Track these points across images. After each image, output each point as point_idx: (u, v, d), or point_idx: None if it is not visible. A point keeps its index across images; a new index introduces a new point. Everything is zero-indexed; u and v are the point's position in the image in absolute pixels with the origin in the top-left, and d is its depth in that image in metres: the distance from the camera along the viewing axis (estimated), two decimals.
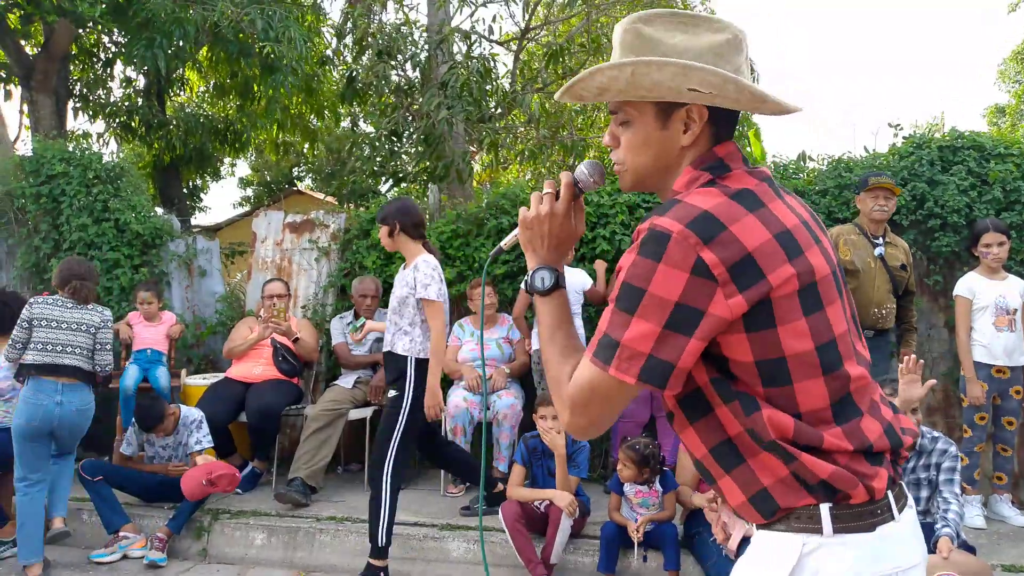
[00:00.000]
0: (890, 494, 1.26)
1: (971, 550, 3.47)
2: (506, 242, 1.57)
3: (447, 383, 5.57)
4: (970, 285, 4.63)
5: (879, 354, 4.59)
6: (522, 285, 5.20)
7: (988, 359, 4.57)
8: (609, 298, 1.25)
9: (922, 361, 3.43)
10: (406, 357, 3.93)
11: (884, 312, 4.52)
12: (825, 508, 1.22)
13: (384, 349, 4.09)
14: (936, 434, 3.73)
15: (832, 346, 1.25)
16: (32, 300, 4.35)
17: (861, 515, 1.23)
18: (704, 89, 1.25)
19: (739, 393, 1.24)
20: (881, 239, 4.61)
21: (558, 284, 1.41)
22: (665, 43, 1.29)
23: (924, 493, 3.69)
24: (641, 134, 1.35)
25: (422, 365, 3.92)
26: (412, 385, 3.91)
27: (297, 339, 5.48)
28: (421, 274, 3.88)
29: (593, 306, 5.33)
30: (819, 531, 1.22)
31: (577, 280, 5.09)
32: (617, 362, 1.20)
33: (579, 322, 5.11)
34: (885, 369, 4.59)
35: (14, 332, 4.26)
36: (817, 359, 1.23)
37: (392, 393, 3.98)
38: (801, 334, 1.22)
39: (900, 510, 1.27)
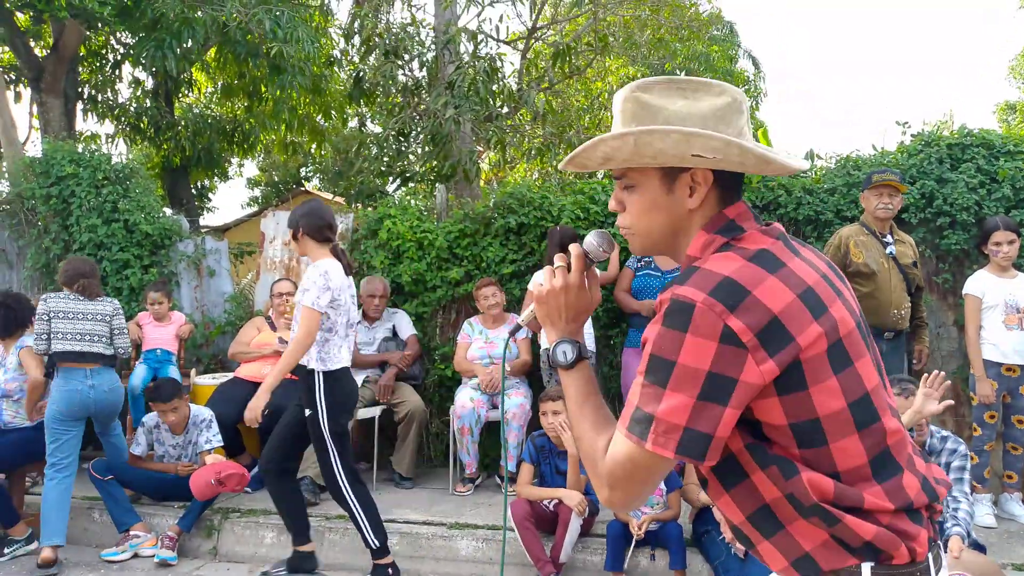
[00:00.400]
0: (930, 556, 1.25)
1: (981, 549, 3.47)
2: (523, 318, 1.56)
3: (456, 382, 5.58)
4: (980, 283, 4.62)
5: (896, 356, 4.57)
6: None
7: (998, 357, 4.55)
8: (638, 370, 1.24)
9: (946, 379, 3.40)
10: (313, 371, 3.76)
11: (903, 313, 4.49)
12: (867, 567, 1.22)
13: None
14: (945, 433, 3.72)
15: (866, 401, 1.24)
16: (45, 296, 4.51)
17: (901, 574, 1.22)
18: (708, 154, 1.25)
19: (776, 457, 1.23)
20: (890, 237, 4.58)
21: (581, 356, 1.40)
22: (667, 110, 1.29)
23: None
24: (647, 199, 1.35)
25: (329, 377, 3.77)
26: (323, 398, 3.74)
27: None
28: (304, 279, 3.73)
29: (601, 305, 5.33)
30: None
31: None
32: (653, 436, 1.18)
33: (588, 321, 5.11)
34: (900, 369, 4.58)
35: (37, 326, 4.46)
36: (851, 416, 1.22)
37: (307, 412, 3.80)
38: (833, 392, 1.21)
39: (938, 571, 1.27)
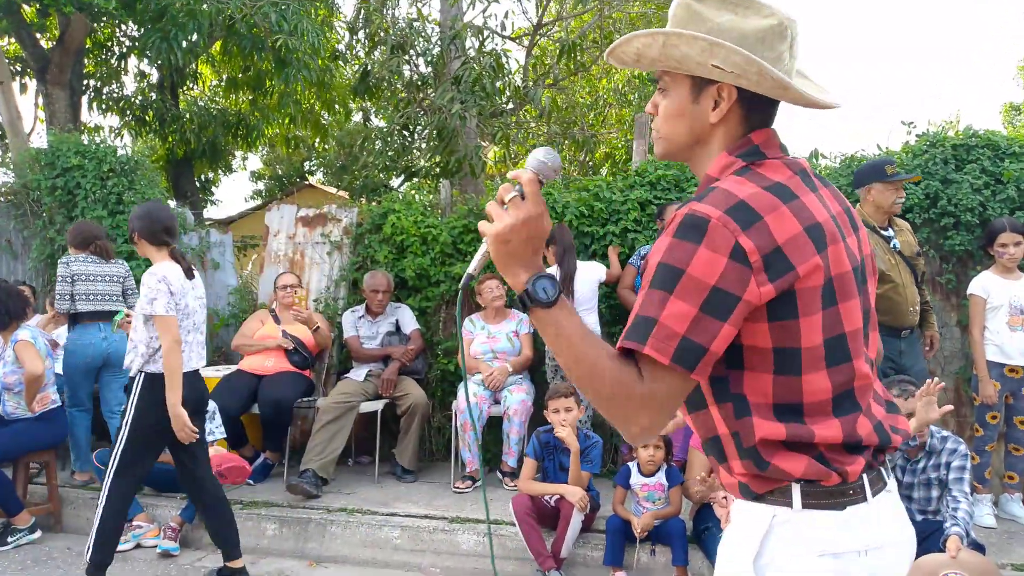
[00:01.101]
0: (865, 477, 1.31)
1: (981, 549, 3.47)
2: (475, 267, 1.38)
3: (458, 377, 5.60)
4: (984, 284, 4.62)
5: (914, 349, 4.49)
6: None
7: (1001, 358, 4.55)
8: (644, 284, 1.25)
9: (942, 384, 3.43)
10: (138, 373, 3.66)
11: (917, 308, 4.41)
12: (796, 487, 1.28)
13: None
14: (946, 433, 3.73)
15: (841, 341, 1.28)
16: (66, 259, 5.06)
17: (831, 494, 1.28)
18: (727, 67, 1.27)
19: (735, 396, 1.28)
20: (890, 229, 4.48)
21: (559, 290, 1.31)
22: (710, 20, 1.31)
23: (935, 492, 3.69)
24: (675, 105, 1.37)
25: (150, 381, 3.64)
26: (134, 402, 3.63)
27: (317, 328, 5.52)
28: (145, 288, 3.62)
29: (604, 302, 5.35)
30: (789, 505, 1.28)
31: (594, 273, 5.13)
32: (653, 341, 1.18)
33: (594, 317, 5.12)
34: (921, 361, 4.54)
35: (59, 287, 5.02)
36: (823, 352, 1.26)
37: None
38: (815, 327, 1.25)
39: (875, 493, 1.31)
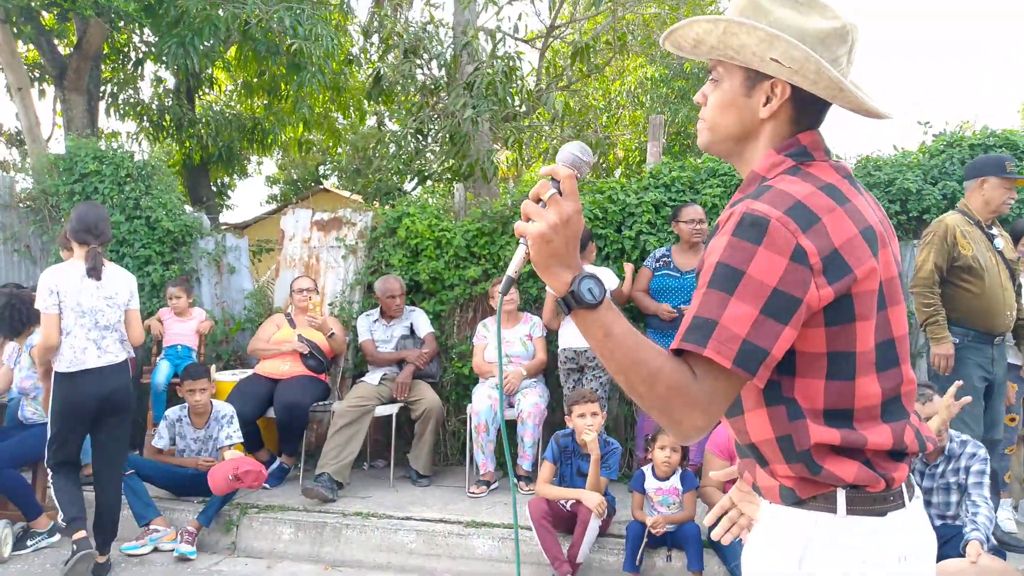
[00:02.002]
0: (903, 485, 1.31)
1: (1001, 555, 3.44)
2: (515, 269, 1.28)
3: (473, 380, 5.60)
4: None
5: (1004, 359, 4.31)
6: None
7: (1019, 360, 4.50)
8: (700, 284, 1.23)
9: (969, 397, 3.42)
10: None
11: (1013, 313, 4.15)
12: (841, 492, 1.26)
13: None
14: (965, 438, 3.69)
15: (891, 346, 1.28)
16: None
17: (875, 500, 1.27)
18: (785, 62, 1.26)
19: (788, 399, 1.26)
20: (995, 229, 4.22)
21: (604, 290, 1.30)
22: (773, 13, 1.30)
23: (954, 497, 3.65)
24: (727, 95, 1.35)
25: (59, 377, 3.92)
26: (52, 397, 3.95)
27: (332, 334, 5.54)
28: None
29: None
30: (833, 511, 1.26)
31: (607, 280, 5.06)
32: (715, 343, 1.15)
33: None
34: (1012, 372, 4.42)
35: None
36: (874, 357, 1.25)
37: None
38: (869, 331, 1.24)
39: (911, 497, 1.32)
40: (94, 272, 3.97)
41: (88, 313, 3.94)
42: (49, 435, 3.99)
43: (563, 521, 4.10)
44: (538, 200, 1.22)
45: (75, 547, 3.96)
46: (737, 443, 1.40)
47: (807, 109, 1.34)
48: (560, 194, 1.22)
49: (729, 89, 1.35)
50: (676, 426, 1.20)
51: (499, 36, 8.27)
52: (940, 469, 3.67)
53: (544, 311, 5.27)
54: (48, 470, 4.07)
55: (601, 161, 12.08)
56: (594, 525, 3.95)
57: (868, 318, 1.23)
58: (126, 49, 10.39)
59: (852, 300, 1.21)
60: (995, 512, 3.71)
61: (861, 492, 1.26)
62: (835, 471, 1.25)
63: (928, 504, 3.69)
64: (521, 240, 1.25)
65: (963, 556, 3.28)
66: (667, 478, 4.00)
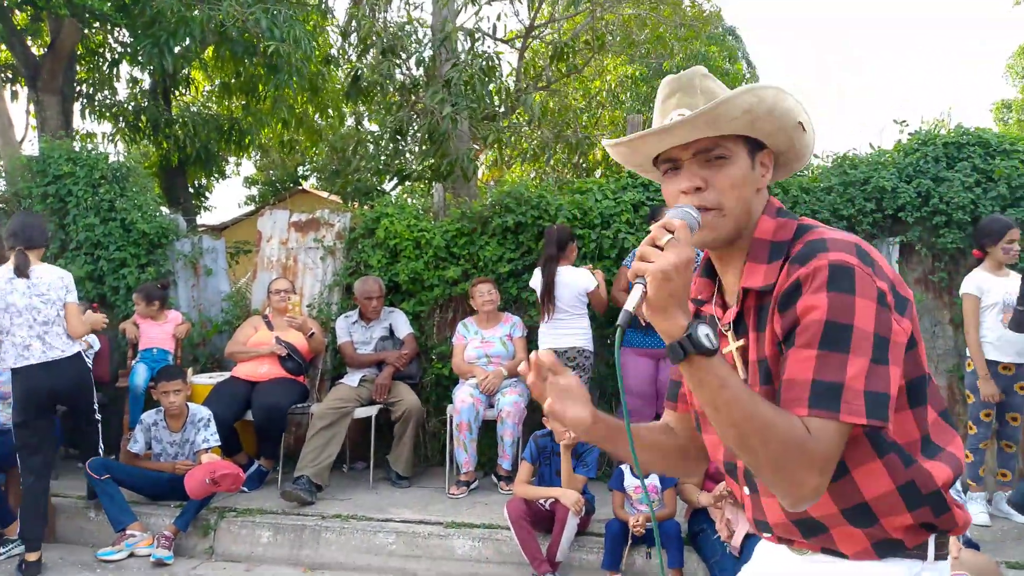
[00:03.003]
0: None
1: (975, 547, 3.47)
2: (633, 306, 1.20)
3: (453, 380, 5.59)
4: (978, 283, 4.61)
5: None
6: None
7: (996, 356, 4.55)
8: (803, 343, 1.20)
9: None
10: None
11: None
12: (932, 538, 1.30)
13: None
14: None
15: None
16: None
17: (945, 544, 1.33)
18: (806, 126, 1.36)
19: (893, 444, 1.26)
20: None
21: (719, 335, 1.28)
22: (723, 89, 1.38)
23: None
24: (740, 171, 1.33)
25: (12, 375, 4.23)
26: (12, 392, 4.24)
27: (313, 334, 5.51)
28: None
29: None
30: (923, 558, 1.30)
31: (580, 281, 5.05)
32: (847, 407, 1.14)
33: (585, 323, 5.09)
34: None
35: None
36: (929, 376, 1.32)
37: None
38: (924, 353, 1.30)
39: None
40: (19, 271, 4.20)
41: (24, 311, 4.19)
42: (13, 431, 4.27)
43: (542, 520, 4.10)
44: (654, 244, 1.20)
45: (23, 567, 4.17)
46: (809, 519, 1.32)
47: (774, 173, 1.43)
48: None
49: (741, 164, 1.34)
50: (793, 487, 1.15)
51: (478, 35, 8.25)
52: None
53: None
54: (19, 471, 4.28)
55: (581, 161, 12.11)
56: (572, 524, 3.95)
57: (921, 341, 1.28)
58: (101, 50, 10.27)
59: (913, 327, 1.27)
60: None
61: (943, 536, 1.30)
62: (955, 516, 1.29)
63: None
64: (638, 280, 1.20)
65: None
66: (646, 476, 4.01)
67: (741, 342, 1.38)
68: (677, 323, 1.18)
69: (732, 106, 1.28)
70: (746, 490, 1.43)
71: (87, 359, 4.85)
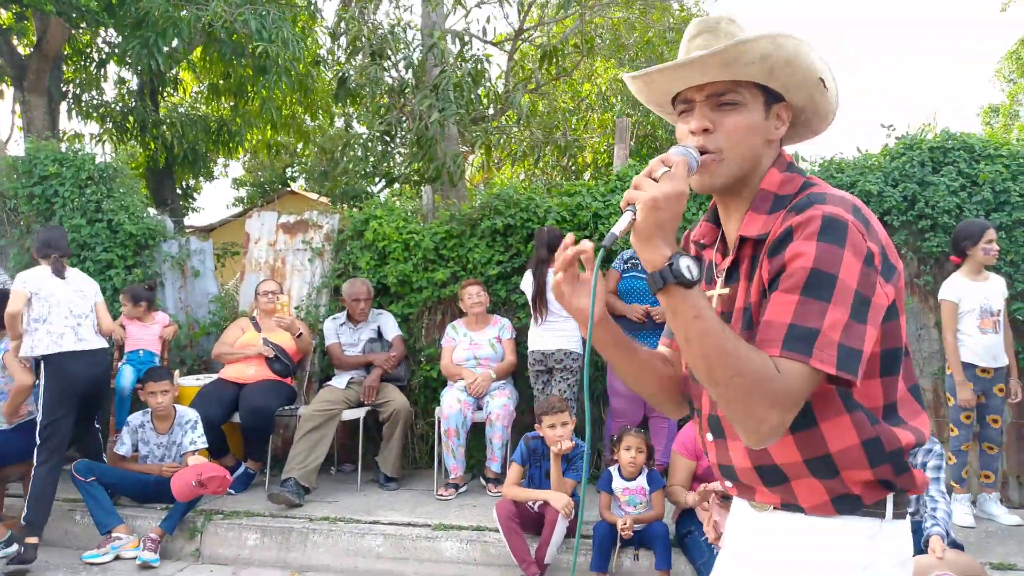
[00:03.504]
0: None
1: (959, 547, 3.50)
2: (621, 229, 1.24)
3: (441, 383, 5.59)
4: (955, 288, 4.65)
5: None
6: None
7: (974, 360, 4.59)
8: (786, 288, 1.21)
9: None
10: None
11: None
12: (890, 497, 1.32)
13: None
14: None
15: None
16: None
17: (907, 503, 1.36)
18: (828, 83, 1.35)
19: (858, 404, 1.28)
20: None
21: (703, 269, 1.32)
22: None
23: None
24: (750, 119, 1.34)
25: (45, 364, 4.42)
26: (42, 387, 4.41)
27: (301, 334, 5.50)
28: None
29: None
30: (882, 516, 1.31)
31: None
32: (818, 353, 1.16)
33: (574, 323, 5.11)
34: None
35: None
36: (906, 350, 1.34)
37: None
38: (904, 326, 1.32)
39: None
40: (58, 274, 4.60)
41: (62, 303, 4.51)
42: (40, 425, 4.37)
43: (531, 522, 4.10)
44: (651, 177, 1.24)
45: (21, 550, 4.18)
46: (772, 466, 1.34)
47: (788, 132, 1.41)
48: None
49: (753, 113, 1.34)
50: (754, 423, 1.17)
51: (467, 38, 8.26)
52: None
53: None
54: (33, 462, 4.34)
55: (570, 163, 12.13)
56: (561, 526, 3.96)
57: (903, 313, 1.30)
58: (88, 50, 10.23)
59: (896, 297, 1.28)
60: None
61: (902, 496, 1.32)
62: (915, 477, 1.31)
63: None
64: (628, 208, 1.23)
65: (924, 551, 3.34)
66: (634, 478, 4.02)
67: (727, 289, 1.40)
68: (661, 253, 1.21)
69: (747, 50, 1.28)
70: (709, 436, 1.45)
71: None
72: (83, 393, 4.52)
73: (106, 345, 4.74)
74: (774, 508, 1.38)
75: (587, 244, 1.33)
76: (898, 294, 1.28)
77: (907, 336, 1.35)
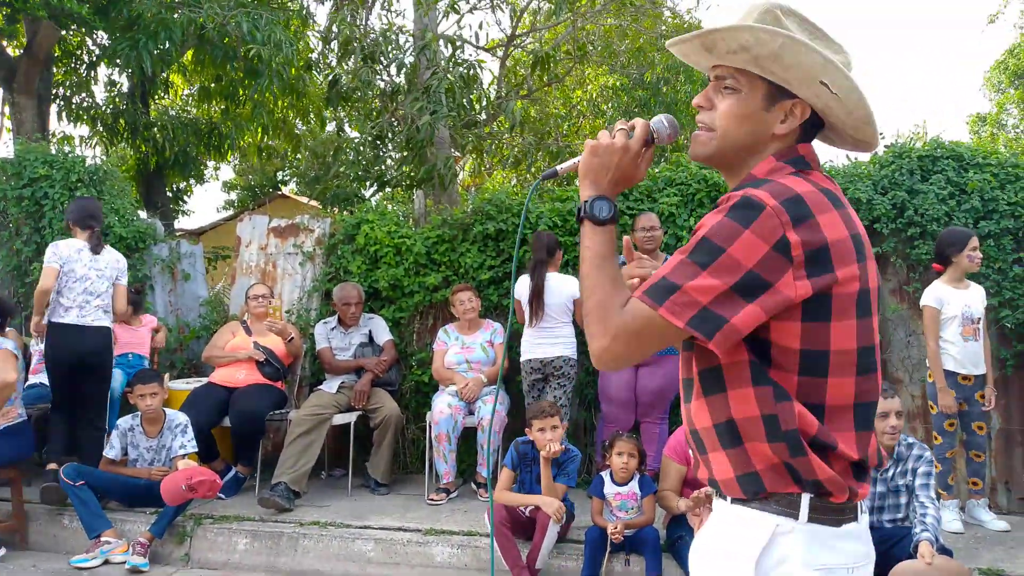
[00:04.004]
0: (861, 503, 1.36)
1: (948, 553, 3.52)
2: (563, 167, 1.53)
3: (433, 387, 5.58)
4: (938, 295, 4.67)
5: None
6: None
7: (956, 367, 4.62)
8: (680, 250, 1.28)
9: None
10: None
11: None
12: (806, 498, 1.29)
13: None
14: (912, 440, 3.79)
15: (871, 352, 1.33)
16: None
17: (836, 511, 1.30)
18: (834, 89, 1.32)
19: (774, 382, 1.29)
20: None
21: (614, 217, 1.41)
22: (799, 38, 1.32)
23: (903, 499, 3.74)
24: (746, 106, 1.37)
25: (49, 329, 4.85)
26: (44, 349, 4.96)
27: (292, 339, 5.48)
28: None
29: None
30: (795, 517, 1.29)
31: (568, 289, 5.06)
32: (671, 305, 1.24)
33: (570, 330, 5.10)
34: None
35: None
36: (856, 359, 1.30)
37: None
38: (850, 332, 1.28)
39: (861, 512, 1.36)
40: (96, 249, 4.94)
41: (81, 279, 4.83)
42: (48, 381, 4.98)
43: (522, 527, 4.10)
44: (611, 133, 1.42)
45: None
46: (696, 432, 1.39)
47: (811, 129, 1.40)
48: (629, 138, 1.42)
49: (750, 101, 1.37)
50: (592, 341, 1.32)
51: (459, 43, 8.27)
52: (890, 472, 3.76)
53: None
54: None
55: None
56: (553, 531, 3.95)
57: (846, 319, 1.27)
58: (79, 52, 10.18)
59: (830, 299, 1.26)
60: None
61: (824, 501, 1.29)
62: (813, 463, 1.27)
63: (881, 509, 3.78)
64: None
65: (914, 557, 3.36)
66: (625, 483, 4.03)
67: None
68: (586, 191, 1.43)
69: (723, 38, 1.33)
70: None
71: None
72: (73, 365, 4.84)
73: (110, 325, 5.01)
74: (717, 495, 1.41)
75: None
76: (842, 298, 1.26)
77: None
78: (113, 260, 5.04)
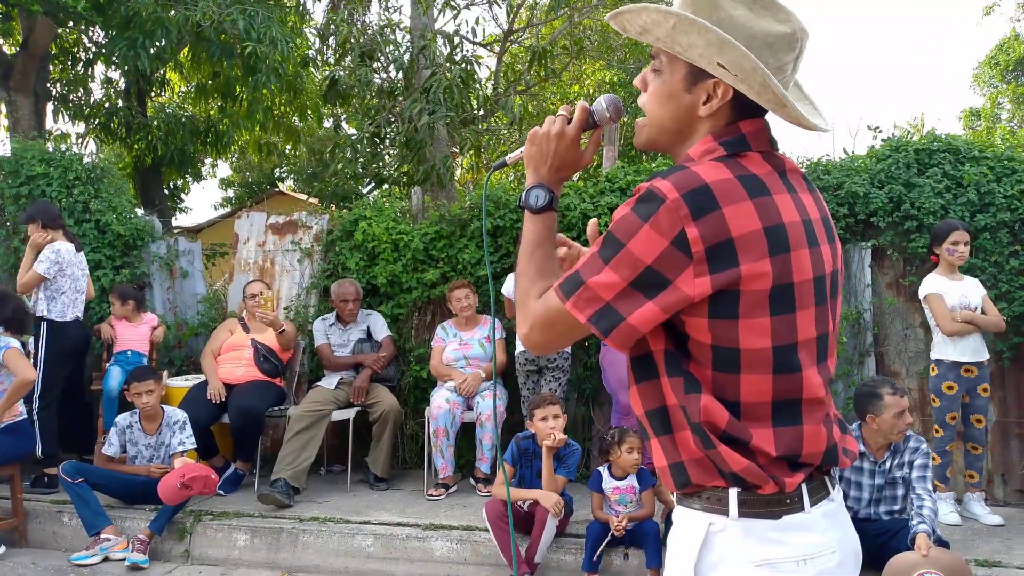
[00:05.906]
0: (804, 487, 1.28)
1: (945, 545, 3.54)
2: (511, 157, 1.57)
3: (431, 383, 5.59)
4: (937, 284, 4.70)
5: None
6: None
7: (957, 357, 4.64)
8: (595, 242, 1.29)
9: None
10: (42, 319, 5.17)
11: None
12: (733, 492, 1.26)
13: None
14: (908, 432, 3.80)
15: (791, 350, 1.25)
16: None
17: (768, 503, 1.26)
18: (732, 70, 1.24)
19: (686, 372, 1.27)
20: None
21: (551, 205, 1.42)
22: (723, 10, 1.26)
23: (900, 491, 3.76)
24: (667, 87, 1.33)
25: (50, 327, 5.13)
26: (44, 345, 5.12)
27: (283, 331, 5.47)
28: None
29: None
30: (725, 513, 1.26)
31: None
32: (575, 300, 1.25)
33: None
34: None
35: None
36: (771, 358, 1.24)
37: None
38: (761, 331, 1.22)
39: (814, 503, 1.29)
40: (78, 247, 5.33)
41: (73, 279, 5.22)
42: (40, 386, 5.00)
43: (521, 522, 4.11)
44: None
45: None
46: (638, 418, 1.38)
47: (749, 105, 1.30)
48: (569, 122, 1.44)
49: (670, 81, 1.33)
50: (517, 323, 1.38)
51: (457, 40, 8.26)
52: (887, 465, 3.77)
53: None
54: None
55: None
56: (551, 525, 3.97)
57: (756, 317, 1.21)
58: (75, 49, 10.16)
59: (737, 297, 1.20)
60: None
61: (753, 494, 1.25)
62: (724, 456, 1.24)
63: (878, 502, 3.80)
64: None
65: (911, 549, 3.38)
66: (624, 477, 4.04)
67: None
68: (528, 180, 1.46)
69: (631, 19, 1.33)
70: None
71: None
72: (75, 352, 5.34)
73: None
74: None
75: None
76: (751, 295, 1.20)
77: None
78: (82, 255, 5.43)
